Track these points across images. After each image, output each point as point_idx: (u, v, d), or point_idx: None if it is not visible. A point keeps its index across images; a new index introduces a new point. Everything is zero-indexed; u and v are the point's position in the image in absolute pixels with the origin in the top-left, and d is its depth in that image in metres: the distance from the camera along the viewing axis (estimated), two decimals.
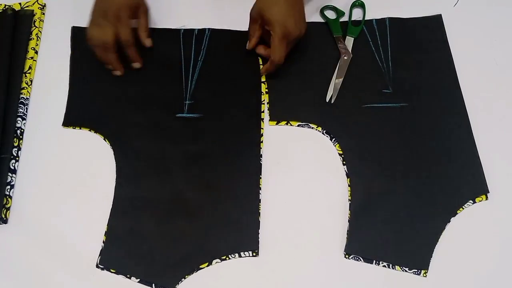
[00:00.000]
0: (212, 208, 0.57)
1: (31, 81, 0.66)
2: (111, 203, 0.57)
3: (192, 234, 0.56)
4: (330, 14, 0.70)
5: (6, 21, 0.68)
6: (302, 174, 0.59)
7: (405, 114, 0.62)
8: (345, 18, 0.69)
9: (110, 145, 0.61)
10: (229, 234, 0.56)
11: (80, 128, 0.62)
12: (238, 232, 0.56)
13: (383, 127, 0.61)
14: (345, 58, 0.66)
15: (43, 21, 0.71)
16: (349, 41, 0.67)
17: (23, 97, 0.64)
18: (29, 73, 0.66)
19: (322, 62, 0.66)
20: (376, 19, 0.69)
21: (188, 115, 0.62)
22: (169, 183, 0.58)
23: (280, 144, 0.61)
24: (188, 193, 0.58)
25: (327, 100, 0.63)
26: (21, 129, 0.62)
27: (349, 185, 0.58)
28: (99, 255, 0.55)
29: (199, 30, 0.68)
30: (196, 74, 0.65)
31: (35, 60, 0.68)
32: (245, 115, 0.62)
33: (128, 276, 0.54)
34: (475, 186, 0.57)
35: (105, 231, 0.56)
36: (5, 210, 0.57)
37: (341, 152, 0.60)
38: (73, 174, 0.60)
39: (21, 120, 0.62)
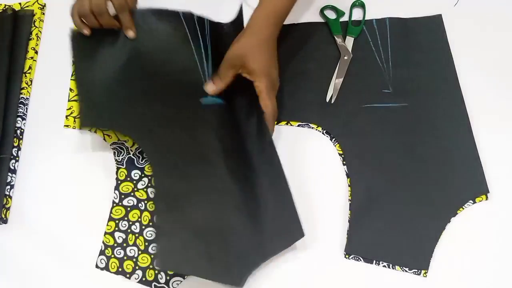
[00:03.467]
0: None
1: (31, 81, 0.66)
2: (111, 203, 0.57)
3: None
4: (330, 14, 0.70)
5: (6, 21, 0.68)
6: (302, 174, 0.59)
7: (405, 114, 0.62)
8: (345, 18, 0.69)
9: (136, 141, 0.58)
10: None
11: (95, 132, 0.61)
12: None
13: (383, 127, 0.61)
14: (345, 58, 0.66)
15: (43, 21, 0.71)
16: (349, 41, 0.67)
17: (23, 97, 0.64)
18: (29, 73, 0.66)
19: (322, 62, 0.66)
20: (376, 19, 0.69)
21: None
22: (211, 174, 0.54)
23: (280, 144, 0.61)
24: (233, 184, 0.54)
25: (327, 100, 0.63)
26: (21, 129, 0.62)
27: (349, 185, 0.58)
28: (99, 255, 0.55)
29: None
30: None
31: (35, 60, 0.68)
32: None
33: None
34: (475, 186, 0.57)
35: (155, 228, 0.53)
36: (5, 210, 0.57)
37: (341, 152, 0.60)
38: (73, 174, 0.60)
39: (21, 120, 0.63)
